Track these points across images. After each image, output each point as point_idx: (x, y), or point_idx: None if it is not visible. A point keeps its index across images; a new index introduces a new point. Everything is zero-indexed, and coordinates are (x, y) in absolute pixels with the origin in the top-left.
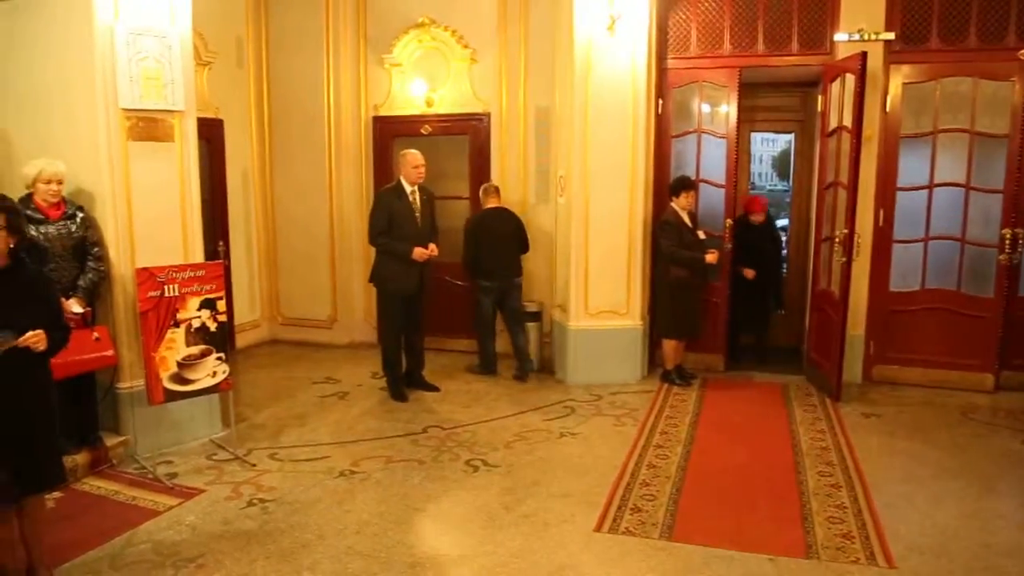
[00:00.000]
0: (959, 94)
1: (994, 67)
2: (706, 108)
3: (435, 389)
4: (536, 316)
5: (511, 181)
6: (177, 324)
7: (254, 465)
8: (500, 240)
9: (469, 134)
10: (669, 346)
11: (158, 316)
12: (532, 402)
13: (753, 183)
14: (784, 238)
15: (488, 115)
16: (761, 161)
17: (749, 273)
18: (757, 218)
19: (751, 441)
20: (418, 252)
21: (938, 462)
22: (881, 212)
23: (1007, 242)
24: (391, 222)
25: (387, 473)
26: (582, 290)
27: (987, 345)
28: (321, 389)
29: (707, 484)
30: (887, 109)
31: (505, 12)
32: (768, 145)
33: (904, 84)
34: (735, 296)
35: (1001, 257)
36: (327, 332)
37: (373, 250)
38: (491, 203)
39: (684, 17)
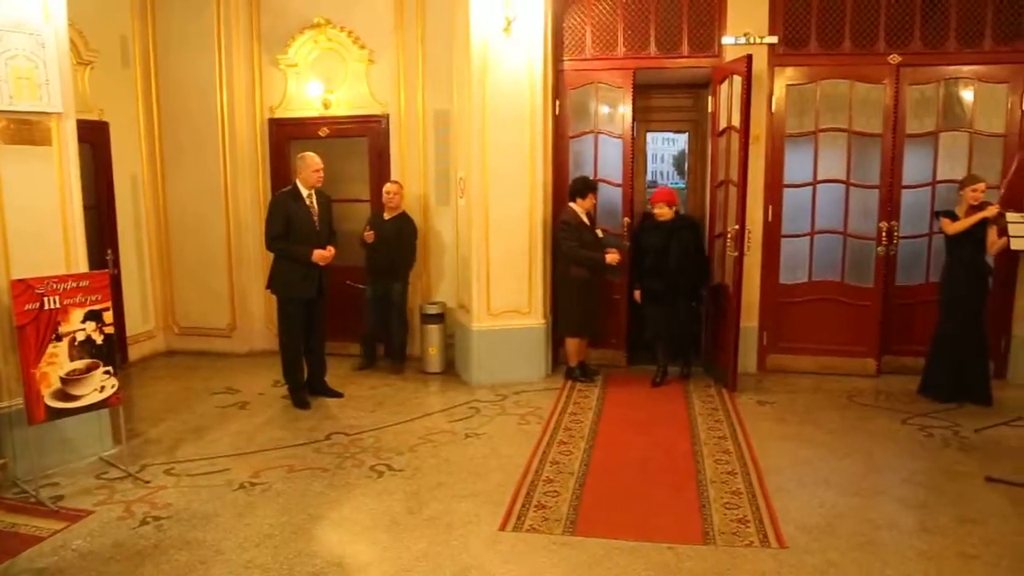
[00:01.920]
0: (837, 95)
1: (867, 71)
2: (602, 109)
3: (338, 395)
4: (439, 318)
5: (412, 183)
6: (59, 338)
7: (148, 482)
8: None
9: (368, 136)
10: (571, 344)
11: (38, 330)
12: (437, 404)
13: (655, 181)
14: None
15: (387, 117)
16: (663, 160)
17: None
18: (662, 211)
19: (652, 433)
20: (317, 253)
21: (826, 444)
22: (770, 208)
23: (883, 234)
24: (288, 226)
25: (289, 483)
26: (484, 291)
27: (869, 332)
28: (220, 400)
29: (610, 478)
30: (773, 109)
31: (402, 13)
32: (669, 144)
33: (788, 86)
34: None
35: (879, 249)
36: (226, 341)
37: (271, 256)
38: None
39: (579, 20)
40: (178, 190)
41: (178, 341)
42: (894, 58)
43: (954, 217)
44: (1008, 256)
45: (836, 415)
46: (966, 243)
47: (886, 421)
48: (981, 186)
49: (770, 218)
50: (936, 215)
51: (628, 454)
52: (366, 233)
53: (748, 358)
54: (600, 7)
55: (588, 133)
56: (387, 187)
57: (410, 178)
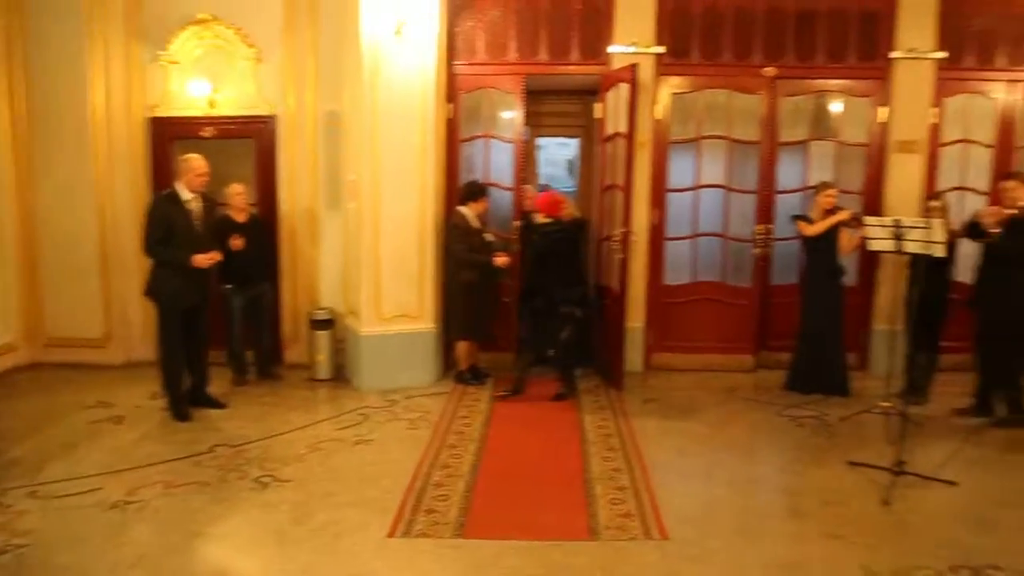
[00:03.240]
0: (718, 104)
1: (745, 82)
2: (494, 113)
3: (221, 406)
4: (328, 324)
5: (301, 187)
6: None
7: (9, 506)
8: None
9: (254, 137)
10: (462, 347)
11: None
12: (326, 412)
13: (548, 185)
14: None
15: (275, 117)
16: (557, 164)
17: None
18: (544, 218)
19: (542, 433)
20: (199, 258)
21: (708, 438)
22: (655, 212)
23: (759, 237)
24: (168, 231)
25: (167, 500)
26: (374, 295)
27: (747, 329)
28: (92, 414)
29: (499, 479)
30: (658, 117)
31: (292, 11)
32: (564, 149)
33: (673, 94)
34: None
35: (756, 251)
36: (101, 352)
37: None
38: None
39: (472, 24)
40: (47, 192)
41: (46, 353)
42: (770, 71)
43: (810, 220)
44: (868, 257)
45: (717, 410)
46: (822, 245)
47: (762, 414)
48: (833, 191)
49: (656, 221)
50: (793, 218)
51: (518, 455)
52: (233, 241)
53: (635, 357)
54: (492, 12)
55: (480, 137)
56: (234, 187)
57: (300, 181)
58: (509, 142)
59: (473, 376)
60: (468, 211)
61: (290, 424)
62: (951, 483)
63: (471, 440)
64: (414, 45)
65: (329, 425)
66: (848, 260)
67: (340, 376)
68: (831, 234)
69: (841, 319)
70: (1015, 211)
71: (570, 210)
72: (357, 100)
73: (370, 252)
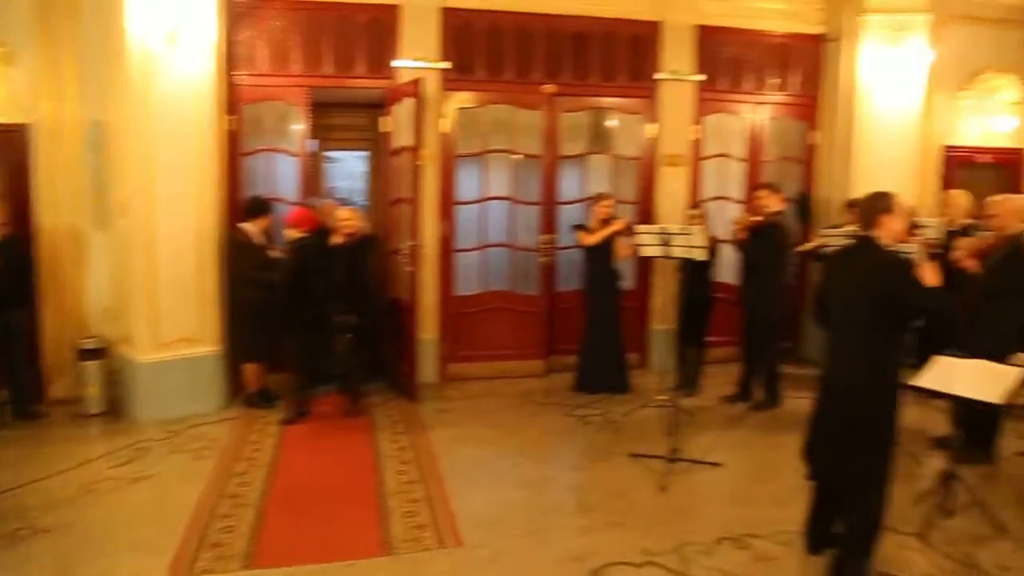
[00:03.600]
0: (502, 119)
1: (527, 98)
2: (279, 126)
3: None
4: (99, 353)
5: (63, 203)
6: None
7: None
8: None
9: (3, 148)
10: (250, 369)
11: None
12: (98, 449)
13: (346, 199)
14: None
15: (29, 126)
16: (355, 178)
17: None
18: (291, 232)
19: (335, 453)
20: None
21: (502, 443)
22: (444, 224)
23: (544, 247)
24: None
25: None
26: (151, 319)
27: (537, 336)
28: None
29: (291, 504)
30: (445, 131)
31: (44, 5)
32: (362, 162)
33: (459, 109)
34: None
35: (541, 260)
36: None
37: None
38: None
39: (252, 33)
40: None
41: None
42: (549, 88)
43: (589, 230)
44: (644, 262)
45: (510, 415)
46: (600, 253)
47: (553, 416)
48: (609, 202)
49: (445, 234)
50: (573, 228)
51: (310, 477)
52: None
53: (429, 369)
54: (274, 23)
55: (264, 150)
56: None
57: (61, 197)
58: (295, 156)
59: (263, 399)
60: (251, 227)
61: (54, 466)
62: (718, 464)
63: (260, 466)
64: (189, 53)
65: (102, 463)
66: (625, 266)
67: (116, 410)
68: (608, 242)
69: (620, 321)
70: (760, 217)
71: (348, 224)
72: (126, 110)
73: (145, 273)
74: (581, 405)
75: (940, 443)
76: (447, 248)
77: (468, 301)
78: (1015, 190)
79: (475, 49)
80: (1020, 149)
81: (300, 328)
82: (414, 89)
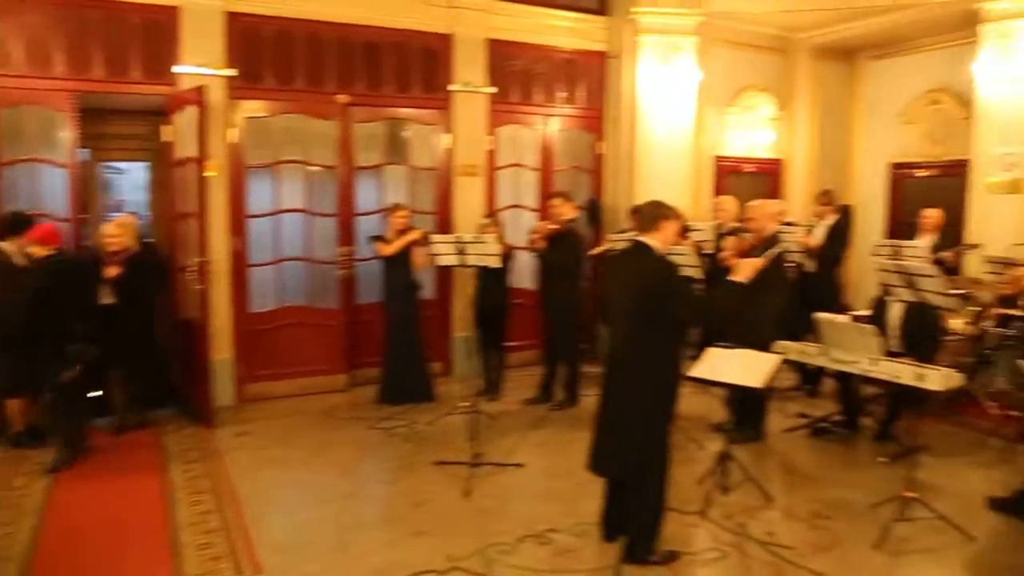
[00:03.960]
0: (295, 129)
1: (320, 108)
2: (44, 133)
3: None
4: None
5: None
6: None
7: None
8: None
9: None
10: (13, 405)
11: None
12: None
13: (136, 212)
14: None
15: None
16: (143, 189)
17: None
18: (40, 251)
19: (118, 491)
20: None
21: (305, 462)
22: (236, 239)
23: (343, 259)
24: None
25: None
26: None
27: (339, 350)
28: None
29: (66, 552)
30: (233, 141)
31: None
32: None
33: (247, 118)
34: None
35: (340, 272)
36: None
37: None
38: None
39: (3, 28)
40: None
41: None
42: (342, 98)
43: (386, 241)
44: (444, 271)
45: (313, 433)
46: (398, 263)
47: (357, 430)
48: (405, 212)
49: (237, 248)
50: (370, 239)
51: (90, 521)
52: None
53: (225, 391)
54: (30, 18)
55: (25, 160)
56: None
57: None
58: (63, 166)
59: (31, 437)
60: (9, 246)
61: None
62: (520, 465)
63: (28, 513)
64: None
65: None
66: (425, 275)
67: None
68: (407, 252)
69: (421, 330)
70: (557, 225)
71: (114, 241)
72: None
73: None
74: (386, 417)
75: (717, 427)
76: (240, 264)
77: (264, 318)
78: (775, 195)
79: (263, 56)
80: (778, 159)
81: (44, 357)
82: (197, 97)
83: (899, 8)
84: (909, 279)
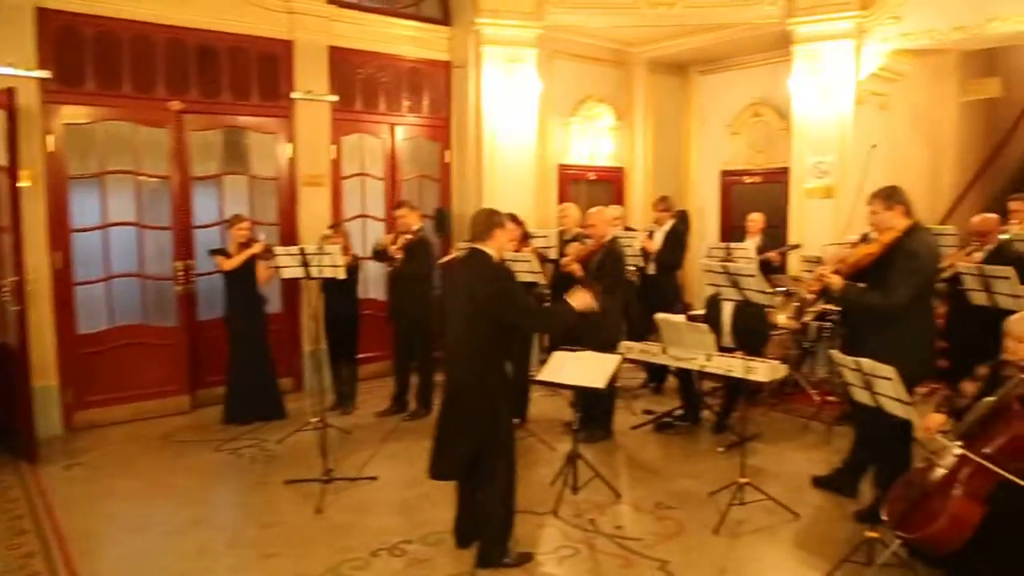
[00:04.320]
0: (122, 137)
1: (150, 115)
2: None
3: None
4: None
5: None
6: None
7: None
8: None
9: None
10: None
11: None
12: None
13: None
14: None
15: None
16: None
17: None
18: None
19: None
20: None
21: (142, 492)
22: (57, 255)
23: (180, 274)
24: None
25: None
26: None
27: (179, 370)
28: None
29: None
30: (51, 149)
31: None
32: None
33: (67, 125)
34: None
35: (178, 288)
36: None
37: None
38: None
39: None
40: None
41: None
42: (175, 104)
43: (227, 254)
44: (290, 283)
45: (153, 460)
46: (241, 277)
47: (201, 453)
48: (246, 224)
49: (59, 265)
50: (210, 253)
51: None
52: None
53: (51, 420)
54: None
55: None
56: None
57: None
58: None
59: None
60: None
61: None
62: (373, 478)
63: None
64: None
65: None
66: (271, 288)
67: None
68: (250, 265)
69: (267, 345)
70: (410, 235)
71: None
72: None
73: None
74: (233, 438)
75: (566, 428)
76: (63, 281)
77: (94, 339)
78: (618, 202)
79: (84, 58)
80: (620, 167)
81: None
82: (6, 100)
83: (723, 27)
84: (733, 279)
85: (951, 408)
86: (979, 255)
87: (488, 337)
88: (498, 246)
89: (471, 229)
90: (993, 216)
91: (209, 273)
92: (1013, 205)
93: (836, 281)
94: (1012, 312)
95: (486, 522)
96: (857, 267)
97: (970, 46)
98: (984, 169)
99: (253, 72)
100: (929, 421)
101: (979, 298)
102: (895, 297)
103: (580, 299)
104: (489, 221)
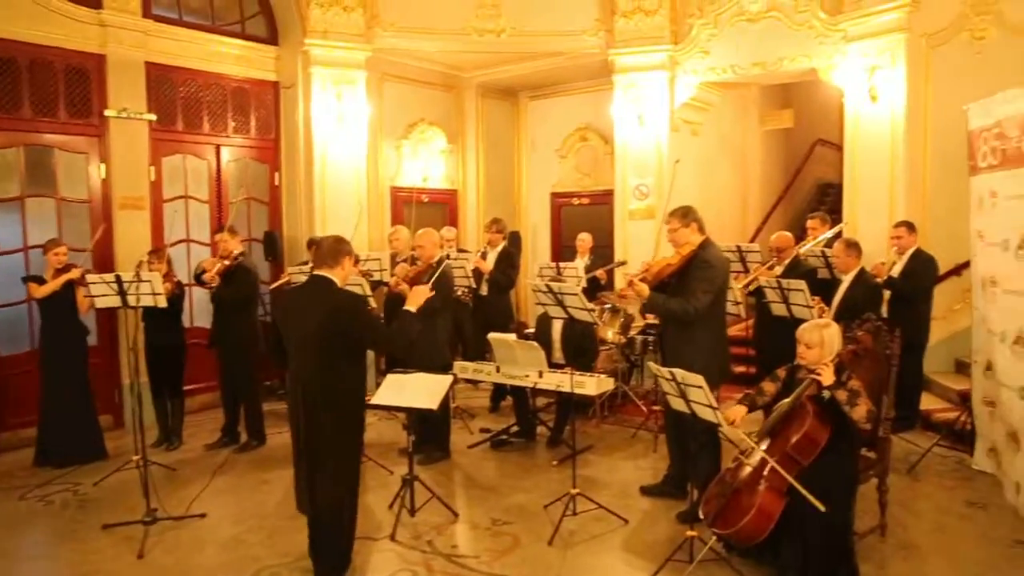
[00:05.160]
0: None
1: None
2: None
3: None
4: None
5: None
6: None
7: None
8: None
9: None
10: None
11: None
12: None
13: None
14: None
15: None
16: None
17: None
18: None
19: None
20: None
21: None
22: None
23: None
24: None
25: None
26: None
27: None
28: None
29: None
30: None
31: None
32: None
33: None
34: None
35: None
36: None
37: None
38: None
39: None
40: None
41: None
42: None
43: (42, 281)
44: (108, 313)
45: None
46: (59, 305)
47: (3, 504)
48: (63, 249)
49: None
50: (24, 280)
51: None
52: None
53: None
54: None
55: None
56: None
57: None
58: None
59: None
60: None
61: None
62: (202, 516)
63: None
64: None
65: None
66: (90, 318)
67: None
68: (69, 294)
69: (87, 379)
70: (229, 262)
71: None
72: None
73: None
74: (42, 483)
75: (403, 451)
76: None
77: None
78: (452, 223)
79: None
80: (453, 190)
81: None
82: None
83: (549, 55)
84: (558, 298)
85: (751, 403)
86: (778, 269)
87: (342, 364)
88: (344, 274)
89: (316, 255)
90: (787, 234)
91: (10, 304)
92: (810, 223)
93: (643, 288)
94: (806, 321)
95: (324, 550)
96: (659, 277)
97: (767, 81)
98: (785, 192)
99: (60, 86)
100: (731, 414)
101: (778, 309)
102: (696, 302)
103: (415, 296)
104: (337, 248)
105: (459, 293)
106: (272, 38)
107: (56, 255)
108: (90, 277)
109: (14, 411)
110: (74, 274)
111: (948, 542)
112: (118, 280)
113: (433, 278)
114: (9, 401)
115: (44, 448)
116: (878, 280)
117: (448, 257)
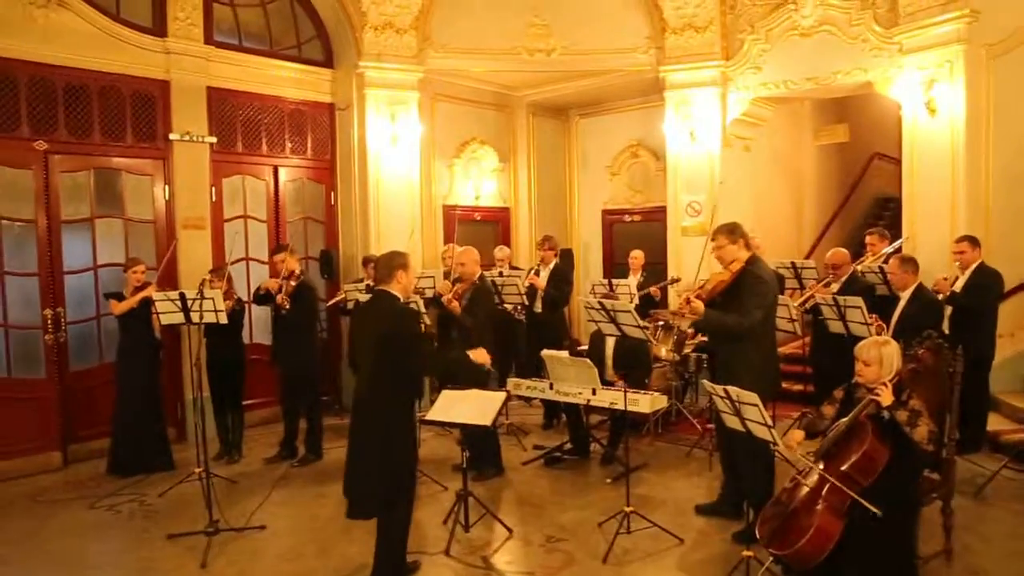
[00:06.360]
0: None
1: (12, 155)
2: None
3: None
4: None
5: None
6: None
7: None
8: None
9: None
10: None
11: None
12: None
13: None
14: None
15: None
16: None
17: None
18: None
19: None
20: None
21: (9, 559)
22: None
23: (50, 322)
24: None
25: None
26: None
27: (49, 424)
28: None
29: None
30: None
31: None
32: None
33: None
34: None
35: (47, 337)
36: None
37: None
38: None
39: None
40: None
41: None
42: (40, 144)
43: (121, 298)
44: (173, 330)
45: (17, 523)
46: (136, 321)
47: (74, 512)
48: (141, 267)
49: None
50: (105, 297)
51: None
52: None
53: None
54: None
55: None
56: None
57: None
58: None
59: None
60: None
61: None
62: (261, 527)
63: None
64: None
65: None
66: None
67: None
68: (145, 310)
69: (158, 393)
70: (294, 281)
71: None
72: None
73: None
74: (110, 493)
75: (456, 467)
76: None
77: None
78: (504, 241)
79: None
80: (505, 207)
81: None
82: None
83: (600, 73)
84: (610, 315)
85: (810, 427)
86: (835, 286)
87: (393, 377)
88: (403, 287)
89: (374, 271)
90: (843, 251)
91: (83, 320)
92: (868, 239)
93: (699, 305)
94: (863, 339)
95: (380, 559)
96: (712, 294)
97: (821, 95)
98: (841, 208)
99: (127, 112)
100: (789, 439)
101: (835, 326)
102: (750, 317)
103: (479, 356)
104: (391, 263)
105: (512, 309)
106: (328, 61)
107: (135, 273)
108: (156, 295)
109: (86, 422)
110: (150, 291)
111: (1021, 569)
112: (182, 297)
113: (471, 306)
114: (81, 412)
115: (116, 458)
116: (940, 296)
117: (501, 275)
